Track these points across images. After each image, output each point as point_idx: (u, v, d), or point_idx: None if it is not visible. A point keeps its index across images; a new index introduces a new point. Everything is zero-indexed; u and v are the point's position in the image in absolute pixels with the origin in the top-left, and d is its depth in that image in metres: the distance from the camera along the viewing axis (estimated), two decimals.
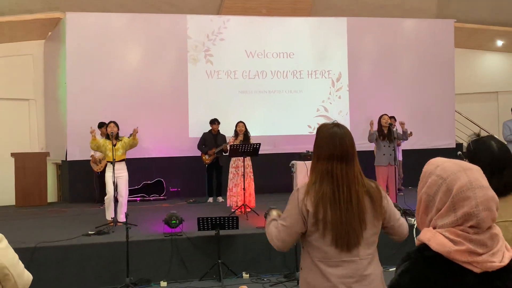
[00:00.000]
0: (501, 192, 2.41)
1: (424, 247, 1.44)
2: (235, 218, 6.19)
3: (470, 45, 12.93)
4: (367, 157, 8.50)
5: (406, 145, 10.00)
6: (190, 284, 5.95)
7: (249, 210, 7.68)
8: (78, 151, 9.77)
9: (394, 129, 8.56)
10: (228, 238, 6.24)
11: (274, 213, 2.55)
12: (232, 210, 7.82)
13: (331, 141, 2.36)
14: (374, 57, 11.42)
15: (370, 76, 11.34)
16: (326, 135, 2.40)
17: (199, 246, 6.20)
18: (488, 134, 2.65)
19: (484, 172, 2.39)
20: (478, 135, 2.59)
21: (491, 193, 1.45)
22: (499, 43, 12.90)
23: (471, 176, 1.45)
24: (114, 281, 5.80)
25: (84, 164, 9.64)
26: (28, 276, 2.21)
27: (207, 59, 10.66)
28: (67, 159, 9.99)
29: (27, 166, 9.81)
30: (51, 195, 10.78)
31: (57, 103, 10.72)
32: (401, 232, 2.45)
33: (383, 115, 8.28)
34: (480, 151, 2.46)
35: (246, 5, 11.38)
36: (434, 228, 1.46)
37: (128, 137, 7.43)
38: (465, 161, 2.52)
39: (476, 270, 1.39)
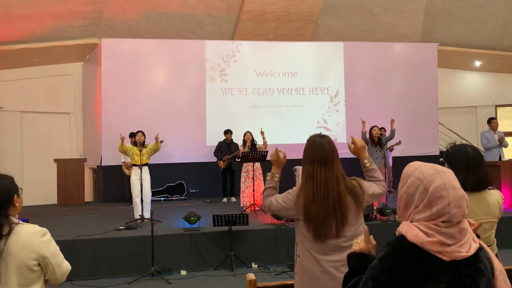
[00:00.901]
0: (475, 188, 2.44)
1: (402, 237, 1.45)
2: (245, 215, 6.15)
3: (451, 65, 12.79)
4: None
5: (395, 152, 9.93)
6: (206, 272, 5.90)
7: (258, 208, 7.67)
8: (111, 158, 9.78)
9: (384, 138, 8.56)
10: (239, 233, 6.19)
11: (270, 182, 2.62)
12: (244, 209, 7.81)
13: (312, 148, 2.43)
14: (368, 76, 11.34)
15: (364, 93, 11.26)
16: (309, 143, 2.48)
17: (214, 240, 6.15)
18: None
19: (460, 171, 2.42)
20: (455, 143, 2.63)
21: (462, 192, 1.45)
22: (477, 63, 12.75)
23: (445, 178, 1.45)
24: (141, 269, 5.77)
25: (116, 169, 9.65)
26: (66, 267, 2.24)
27: (222, 78, 10.65)
28: (102, 164, 10.01)
29: (68, 170, 9.88)
30: (88, 195, 10.82)
31: (93, 116, 10.75)
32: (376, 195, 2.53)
33: (373, 126, 8.27)
34: (457, 154, 2.49)
35: (256, 32, 11.42)
36: (411, 222, 1.47)
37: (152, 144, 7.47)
38: (444, 164, 2.55)
39: (446, 258, 1.39)
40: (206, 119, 10.47)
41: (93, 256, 5.80)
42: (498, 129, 8.92)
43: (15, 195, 2.16)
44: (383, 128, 9.45)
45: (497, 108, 13.08)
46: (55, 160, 9.86)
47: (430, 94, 11.48)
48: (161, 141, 7.68)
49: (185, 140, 10.23)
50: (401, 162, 10.20)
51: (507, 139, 9.29)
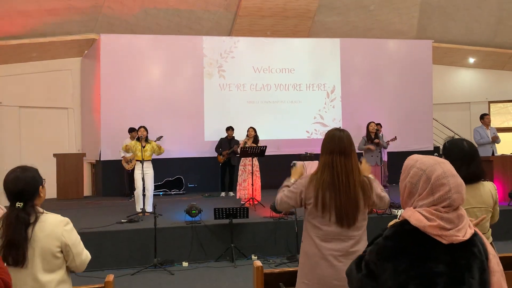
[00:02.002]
0: (469, 180, 2.59)
1: (405, 221, 1.58)
2: (245, 209, 6.26)
3: (445, 62, 12.97)
4: (357, 159, 8.65)
5: (390, 148, 10.09)
6: (208, 264, 6.01)
7: (256, 202, 7.81)
8: (110, 152, 9.84)
9: (380, 134, 8.70)
10: (239, 226, 6.31)
11: (291, 180, 2.69)
12: (242, 202, 7.94)
13: (332, 140, 2.53)
14: (364, 72, 11.45)
15: (360, 89, 11.38)
16: (328, 135, 2.58)
17: (215, 232, 6.26)
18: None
19: (456, 164, 2.58)
20: (452, 137, 2.80)
21: (460, 180, 1.60)
22: (471, 60, 12.94)
23: (445, 167, 1.60)
24: (144, 261, 5.87)
25: (115, 163, 9.71)
26: (86, 256, 2.38)
27: (220, 74, 10.73)
28: (101, 159, 10.07)
29: (67, 165, 9.90)
30: (87, 189, 10.88)
31: (91, 112, 10.79)
32: (382, 205, 2.63)
33: (370, 122, 8.41)
34: (453, 148, 2.65)
35: (253, 28, 11.51)
36: (414, 208, 1.61)
37: (155, 141, 7.56)
38: (441, 157, 2.71)
39: (444, 241, 1.53)
40: (204, 114, 10.53)
41: (97, 248, 5.83)
42: (492, 125, 9.12)
43: (40, 186, 2.30)
44: (379, 124, 9.60)
45: (490, 104, 13.29)
46: (55, 155, 9.89)
47: (424, 90, 11.62)
48: (161, 137, 7.75)
49: (183, 135, 10.30)
50: (396, 157, 10.42)
51: (500, 134, 9.49)
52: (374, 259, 1.59)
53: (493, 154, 8.55)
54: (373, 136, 8.16)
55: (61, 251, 2.26)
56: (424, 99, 11.60)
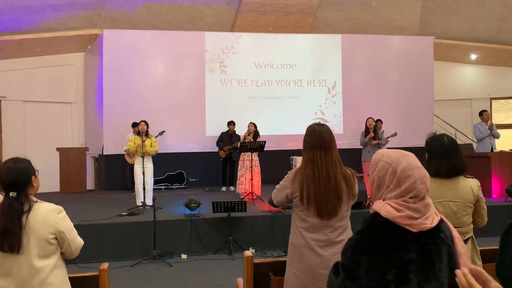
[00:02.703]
0: (448, 174, 2.68)
1: (376, 214, 1.68)
2: (243, 202, 6.35)
3: (447, 58, 12.98)
4: (356, 154, 8.70)
5: (390, 144, 10.14)
6: (206, 256, 6.12)
7: (255, 197, 7.91)
8: (113, 147, 9.97)
9: (381, 131, 8.75)
10: (237, 219, 6.40)
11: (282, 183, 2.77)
12: (241, 197, 8.05)
13: (312, 135, 2.62)
14: (365, 68, 11.49)
15: (361, 85, 11.42)
16: (309, 131, 2.67)
17: (214, 225, 6.35)
18: (442, 133, 2.90)
19: (436, 159, 2.67)
20: (435, 133, 2.88)
21: (425, 172, 1.69)
22: (473, 56, 12.93)
23: (409, 160, 1.69)
24: (143, 253, 5.99)
25: (117, 158, 9.84)
26: (80, 241, 2.50)
27: (222, 69, 10.80)
28: (103, 153, 10.20)
29: (70, 158, 9.99)
30: (90, 183, 11.00)
31: (94, 106, 10.91)
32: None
33: (368, 118, 8.47)
34: (434, 143, 2.73)
35: (255, 24, 11.57)
36: (384, 200, 1.70)
37: (157, 136, 7.64)
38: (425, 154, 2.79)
39: (414, 230, 1.63)
40: (205, 109, 10.62)
41: (98, 240, 6.00)
42: (493, 122, 9.15)
43: (33, 176, 2.41)
44: (380, 120, 9.64)
45: (492, 100, 13.28)
46: (58, 149, 10.01)
47: (425, 86, 11.65)
48: (163, 131, 7.85)
49: (185, 130, 10.40)
50: None
51: (502, 131, 9.53)
52: (350, 255, 1.67)
53: (492, 150, 8.59)
54: (371, 131, 8.22)
55: (55, 238, 2.37)
56: (425, 95, 11.63)
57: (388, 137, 9.25)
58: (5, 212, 2.27)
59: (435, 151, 2.66)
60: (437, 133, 2.91)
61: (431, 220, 1.66)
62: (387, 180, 1.70)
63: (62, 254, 2.45)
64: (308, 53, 11.24)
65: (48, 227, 2.33)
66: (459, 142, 11.05)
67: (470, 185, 2.70)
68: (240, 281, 3.42)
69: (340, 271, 1.70)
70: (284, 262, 2.86)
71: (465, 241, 2.65)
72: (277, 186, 2.76)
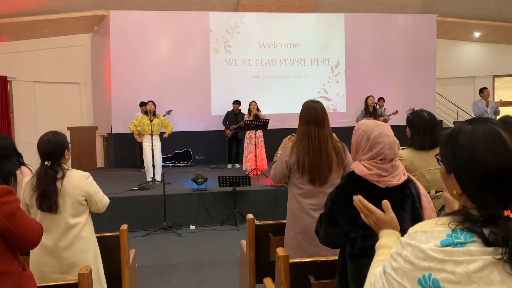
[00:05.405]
0: (431, 146, 3.04)
1: (352, 172, 2.07)
2: (248, 177, 6.76)
3: (450, 36, 13.11)
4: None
5: (392, 122, 10.45)
6: (213, 227, 6.57)
7: (259, 172, 8.30)
8: (121, 126, 10.26)
9: (383, 109, 9.05)
10: (242, 193, 6.82)
11: (278, 152, 3.14)
12: (247, 173, 8.43)
13: (307, 111, 2.98)
14: (368, 47, 11.64)
15: (364, 63, 11.58)
16: (305, 107, 3.03)
17: (220, 199, 6.78)
18: (423, 109, 3.24)
19: (418, 133, 3.03)
20: (413, 109, 3.24)
21: (394, 139, 2.06)
22: (476, 34, 13.05)
23: (381, 129, 2.07)
24: (154, 225, 6.45)
25: (126, 136, 10.11)
26: (106, 200, 2.94)
27: (226, 49, 11.00)
28: (112, 132, 10.54)
29: (80, 137, 10.32)
30: (99, 161, 11.36)
31: (102, 86, 11.19)
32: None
33: (369, 96, 8.76)
34: (415, 118, 3.09)
35: (259, 3, 11.71)
36: (359, 161, 2.10)
37: (164, 115, 7.99)
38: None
39: (382, 186, 2.01)
40: (211, 89, 10.89)
41: (111, 213, 6.26)
42: (496, 99, 9.42)
43: (66, 150, 2.82)
44: (382, 98, 9.92)
45: (495, 78, 13.47)
46: (68, 128, 10.30)
47: (428, 64, 11.81)
48: (170, 111, 8.20)
49: (191, 109, 10.68)
50: (398, 131, 10.75)
51: (504, 108, 9.79)
52: (329, 205, 2.06)
53: None
54: (371, 110, 8.54)
55: (85, 200, 2.80)
56: (427, 74, 11.79)
57: (390, 114, 9.56)
58: (42, 178, 2.70)
59: (418, 126, 3.00)
60: (415, 109, 3.26)
61: (397, 178, 2.04)
62: (362, 145, 2.08)
63: (90, 212, 2.89)
64: (311, 32, 11.40)
65: (79, 190, 2.76)
66: (461, 120, 11.30)
67: None
68: (243, 242, 3.86)
69: (323, 219, 2.11)
70: (282, 224, 3.28)
71: None
72: (274, 165, 3.09)
